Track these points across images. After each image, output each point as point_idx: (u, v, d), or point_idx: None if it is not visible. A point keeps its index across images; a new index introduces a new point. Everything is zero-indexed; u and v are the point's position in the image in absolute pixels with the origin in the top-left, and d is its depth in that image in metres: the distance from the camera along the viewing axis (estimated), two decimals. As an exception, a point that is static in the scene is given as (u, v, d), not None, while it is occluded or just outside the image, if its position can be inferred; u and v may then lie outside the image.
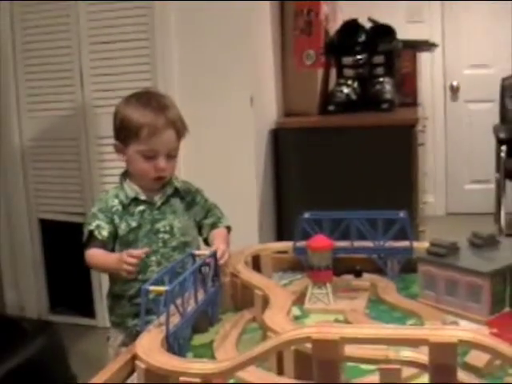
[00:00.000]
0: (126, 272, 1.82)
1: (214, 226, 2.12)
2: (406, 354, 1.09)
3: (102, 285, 3.94)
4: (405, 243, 1.89)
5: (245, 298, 1.76)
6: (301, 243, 1.90)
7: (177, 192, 2.10)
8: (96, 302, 4.13)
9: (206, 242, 2.11)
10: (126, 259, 1.79)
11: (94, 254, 1.98)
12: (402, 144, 3.63)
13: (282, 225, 3.91)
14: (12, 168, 4.18)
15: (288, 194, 3.89)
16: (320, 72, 4.16)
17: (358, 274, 1.89)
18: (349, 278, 1.89)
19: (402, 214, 1.91)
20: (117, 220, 2.02)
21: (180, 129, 2.06)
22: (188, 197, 2.11)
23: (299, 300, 1.73)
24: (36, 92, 4.08)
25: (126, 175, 2.10)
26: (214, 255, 1.72)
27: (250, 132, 3.61)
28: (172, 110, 2.05)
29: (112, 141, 2.10)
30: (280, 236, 3.84)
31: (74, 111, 3.96)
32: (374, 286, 1.81)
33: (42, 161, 4.16)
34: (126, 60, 3.76)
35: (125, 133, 2.03)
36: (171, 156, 2.05)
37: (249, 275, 1.79)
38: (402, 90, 4.21)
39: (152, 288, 1.44)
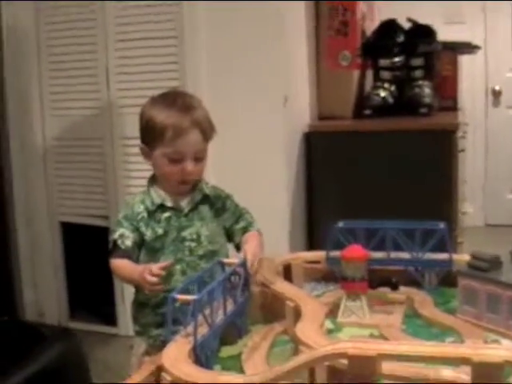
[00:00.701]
0: (149, 291, 1.78)
1: (245, 230, 2.07)
2: (447, 373, 1.06)
3: (124, 291, 3.89)
4: (444, 255, 1.84)
5: (275, 310, 1.71)
6: (334, 253, 1.86)
7: (206, 198, 2.05)
8: (118, 309, 4.08)
9: (238, 248, 2.06)
10: (146, 278, 1.75)
11: (119, 266, 1.94)
12: (441, 150, 3.53)
13: (313, 233, 3.85)
14: (34, 168, 4.15)
15: (320, 200, 3.81)
16: (356, 74, 4.11)
17: (394, 287, 1.83)
18: (384, 290, 1.83)
19: (441, 225, 1.86)
20: (143, 228, 1.97)
21: (207, 130, 2.00)
22: (218, 203, 2.07)
23: (332, 312, 1.68)
24: (60, 90, 4.06)
25: (153, 180, 2.06)
26: (243, 264, 1.67)
27: (282, 135, 3.56)
28: (198, 111, 2.00)
29: (138, 141, 2.06)
30: (311, 245, 3.78)
31: (99, 110, 3.93)
32: (410, 299, 1.77)
33: (65, 161, 4.12)
34: (154, 59, 3.73)
35: (150, 135, 1.99)
36: (198, 158, 1.99)
37: (280, 285, 1.76)
38: (442, 93, 4.11)
39: (180, 297, 1.41)
